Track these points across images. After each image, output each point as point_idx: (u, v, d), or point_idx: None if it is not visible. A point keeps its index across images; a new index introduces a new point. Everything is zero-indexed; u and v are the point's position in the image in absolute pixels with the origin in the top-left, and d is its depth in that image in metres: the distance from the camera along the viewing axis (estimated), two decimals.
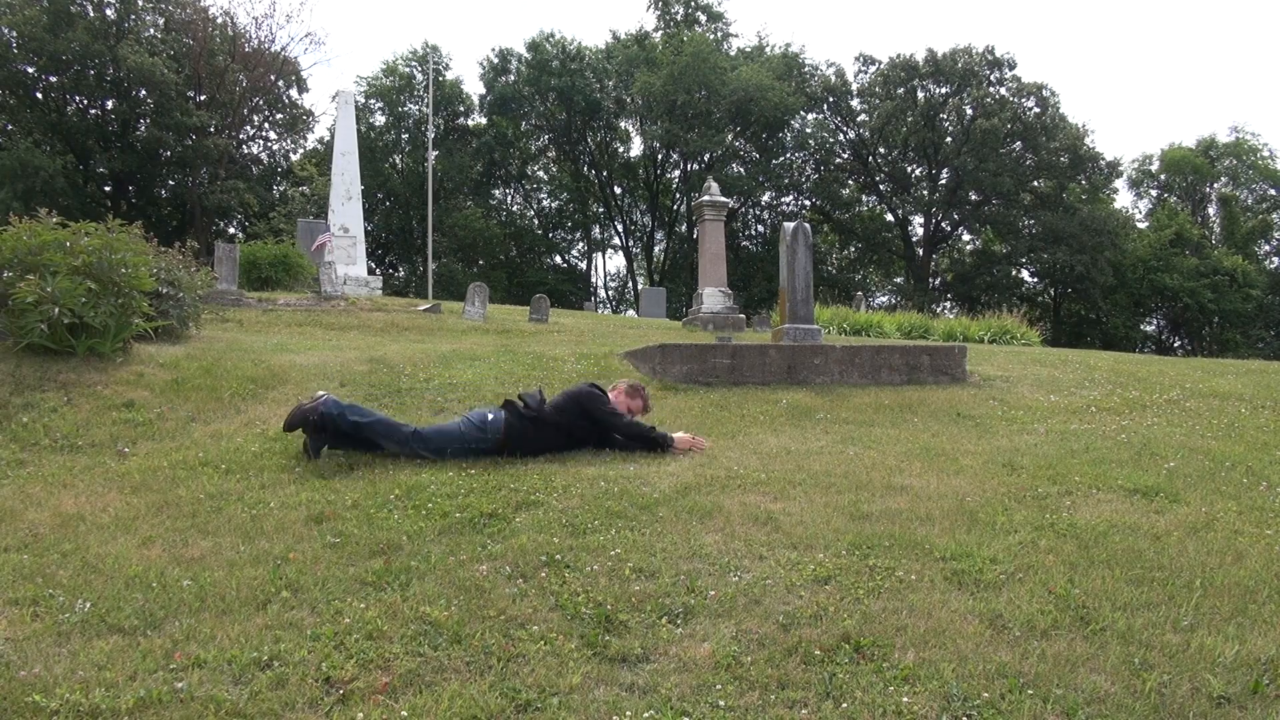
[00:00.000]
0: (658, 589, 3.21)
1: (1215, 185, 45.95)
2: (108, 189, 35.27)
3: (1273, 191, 45.10)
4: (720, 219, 16.99)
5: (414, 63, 42.77)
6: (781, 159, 42.36)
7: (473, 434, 5.04)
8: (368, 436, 4.97)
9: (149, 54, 30.45)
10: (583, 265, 49.96)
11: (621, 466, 5.02)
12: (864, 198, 44.79)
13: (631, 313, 39.57)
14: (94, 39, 30.35)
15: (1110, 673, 2.61)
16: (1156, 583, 3.31)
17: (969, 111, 38.74)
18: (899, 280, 45.22)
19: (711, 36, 42.65)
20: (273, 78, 36.20)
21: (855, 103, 42.35)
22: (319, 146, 41.49)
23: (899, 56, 40.21)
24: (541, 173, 48.29)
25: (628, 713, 2.42)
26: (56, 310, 6.55)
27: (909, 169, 42.55)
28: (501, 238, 44.21)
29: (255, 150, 39.77)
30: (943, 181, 40.97)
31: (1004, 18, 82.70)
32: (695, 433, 6.24)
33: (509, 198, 48.17)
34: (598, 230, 48.41)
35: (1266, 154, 45.38)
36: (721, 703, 2.46)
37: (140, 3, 33.17)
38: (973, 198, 40.13)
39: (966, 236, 44.18)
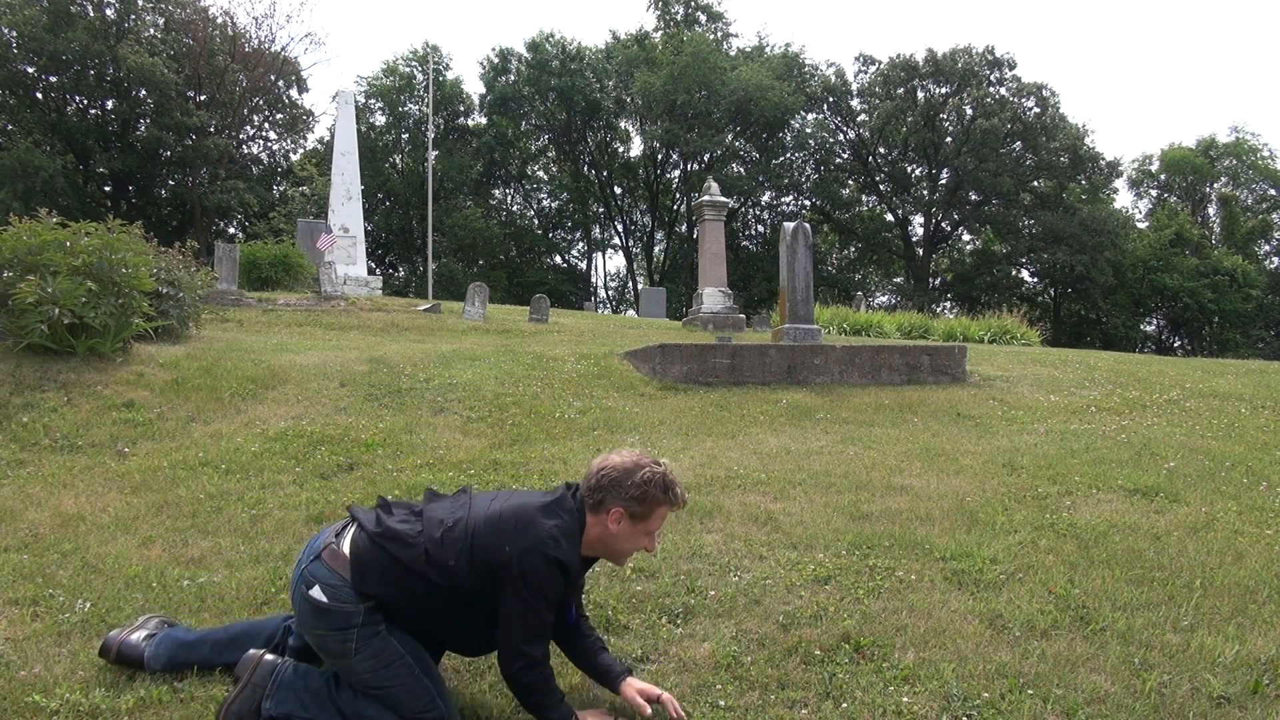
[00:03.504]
0: (658, 589, 3.21)
1: (1215, 185, 45.93)
2: (108, 189, 35.25)
3: (1273, 191, 45.07)
4: (720, 219, 16.99)
5: (414, 63, 42.76)
6: (781, 159, 42.32)
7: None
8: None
9: (149, 54, 30.44)
10: (583, 265, 49.97)
11: None
12: (864, 198, 44.76)
13: (631, 313, 39.55)
14: (94, 39, 30.33)
15: (1110, 673, 2.61)
16: (1156, 583, 3.31)
17: (969, 111, 38.72)
18: (899, 280, 45.20)
19: (711, 36, 42.60)
20: (273, 78, 36.18)
21: (855, 103, 42.33)
22: (319, 146, 41.48)
23: (899, 56, 40.20)
24: (541, 173, 48.27)
25: (628, 713, 2.42)
26: (56, 310, 6.55)
27: (909, 169, 42.52)
28: (501, 238, 44.19)
29: (255, 150, 39.77)
30: (943, 181, 40.94)
31: (1004, 18, 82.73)
32: (695, 433, 6.20)
33: (509, 198, 48.16)
34: (598, 230, 48.40)
35: (1266, 154, 45.38)
36: (721, 703, 2.46)
37: (140, 3, 33.14)
38: (973, 198, 40.10)
39: (966, 236, 44.17)
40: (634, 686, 2.46)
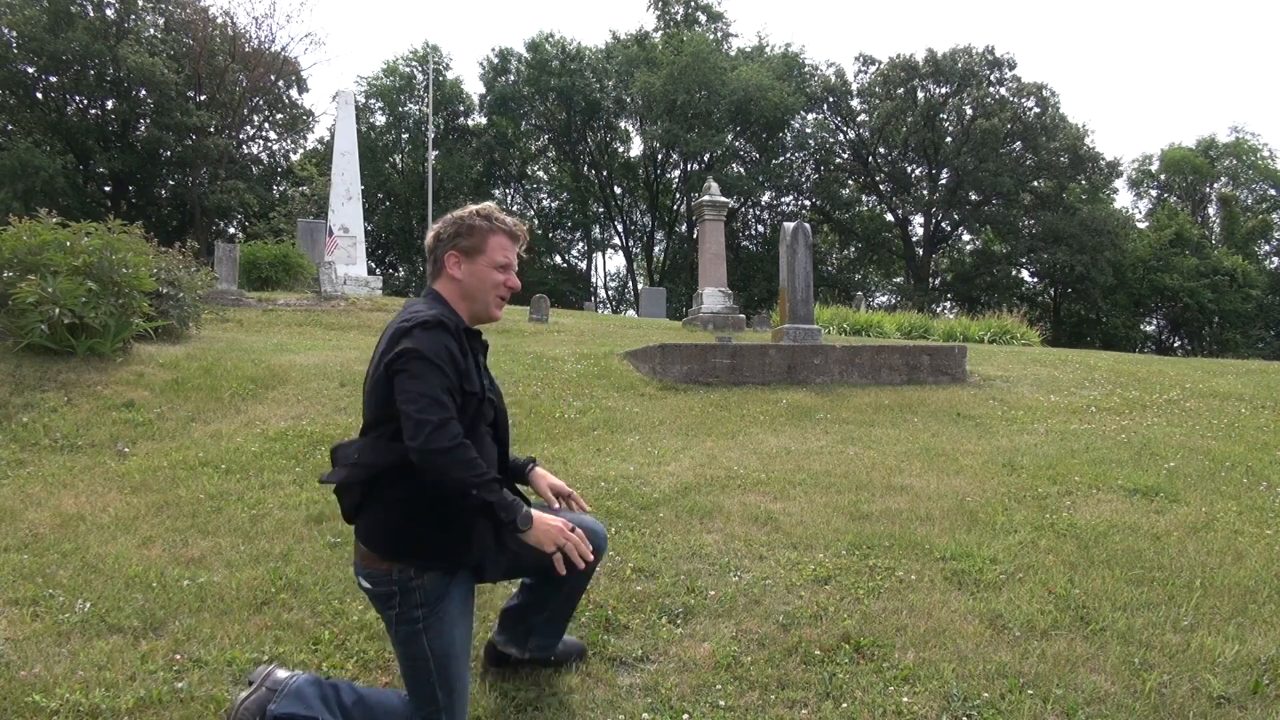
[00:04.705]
0: (658, 589, 3.21)
1: (1215, 185, 45.92)
2: (108, 189, 35.23)
3: (1273, 191, 45.05)
4: (720, 219, 16.98)
5: (414, 63, 42.75)
6: (781, 159, 42.29)
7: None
8: None
9: (149, 54, 30.42)
10: (583, 265, 49.97)
11: (621, 466, 5.02)
12: (864, 198, 44.74)
13: (631, 313, 39.55)
14: (94, 39, 30.31)
15: (1110, 673, 2.61)
16: (1156, 583, 3.31)
17: (969, 111, 38.71)
18: (899, 280, 45.17)
19: (711, 36, 42.57)
20: (273, 78, 36.15)
21: (855, 103, 42.31)
22: (319, 146, 41.45)
23: (899, 56, 40.17)
24: (541, 173, 48.28)
25: (627, 712, 2.42)
26: (57, 310, 6.55)
27: (909, 169, 42.49)
28: None
29: (255, 150, 39.73)
30: (943, 181, 40.91)
31: (1004, 18, 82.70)
32: (695, 433, 6.20)
33: (509, 198, 48.12)
34: (598, 230, 48.39)
35: (1266, 154, 45.36)
36: (721, 703, 2.46)
37: (140, 3, 33.12)
38: (973, 198, 40.08)
39: (966, 236, 44.15)
40: (545, 479, 2.50)
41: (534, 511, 2.17)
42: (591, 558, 2.26)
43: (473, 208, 2.34)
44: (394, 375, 2.09)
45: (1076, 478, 4.88)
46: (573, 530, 2.20)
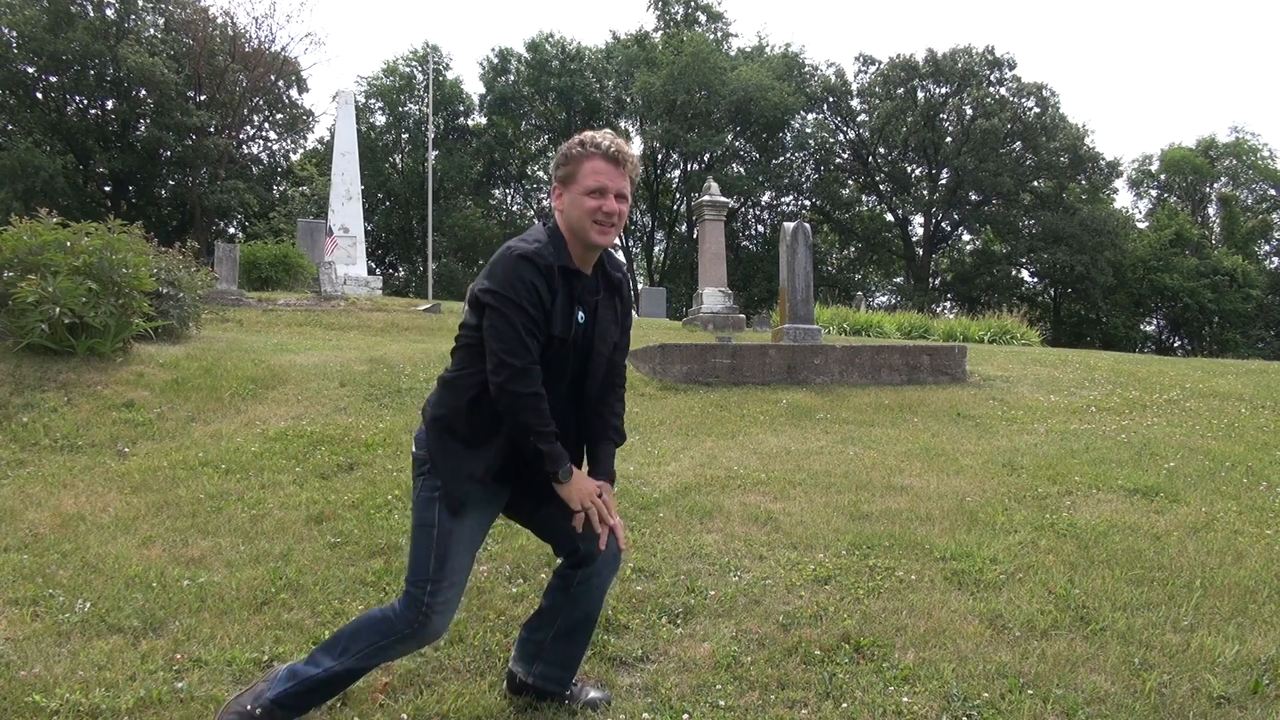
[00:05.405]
0: (658, 589, 3.21)
1: (1215, 185, 45.90)
2: (108, 189, 35.21)
3: (1273, 191, 45.02)
4: (720, 219, 16.97)
5: (414, 63, 42.74)
6: (781, 159, 42.28)
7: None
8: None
9: (149, 54, 30.40)
10: None
11: (621, 466, 5.02)
12: (864, 198, 44.72)
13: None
14: (94, 39, 30.31)
15: (1110, 673, 2.61)
16: (1156, 583, 3.31)
17: (969, 111, 38.68)
18: (899, 280, 45.16)
19: (711, 36, 42.57)
20: (273, 78, 36.15)
21: (855, 103, 42.28)
22: (319, 146, 41.43)
23: (899, 56, 40.14)
24: (541, 173, 48.26)
25: (627, 712, 2.42)
26: (57, 310, 6.55)
27: (909, 169, 42.47)
28: (501, 238, 44.14)
29: (255, 150, 39.71)
30: (943, 181, 40.89)
31: (1004, 18, 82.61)
32: (695, 433, 6.20)
33: (509, 198, 48.16)
34: None
35: (1266, 154, 45.31)
36: (721, 703, 2.46)
37: (140, 3, 33.12)
38: (973, 198, 40.06)
39: (966, 236, 44.13)
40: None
41: (576, 472, 2.25)
42: (613, 520, 2.30)
43: (579, 135, 2.30)
44: (483, 307, 2.16)
45: (1076, 478, 4.88)
46: (601, 497, 2.28)
